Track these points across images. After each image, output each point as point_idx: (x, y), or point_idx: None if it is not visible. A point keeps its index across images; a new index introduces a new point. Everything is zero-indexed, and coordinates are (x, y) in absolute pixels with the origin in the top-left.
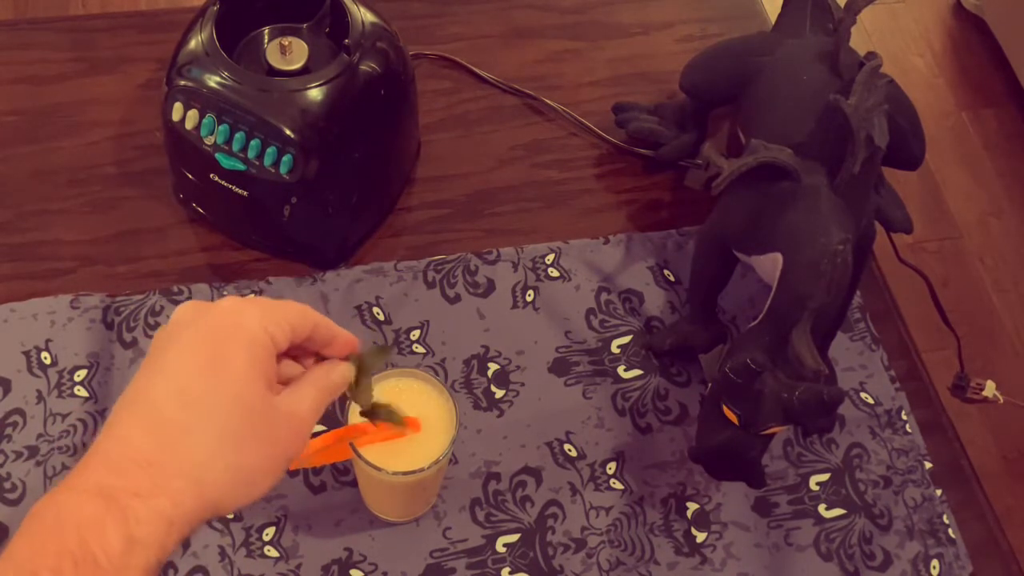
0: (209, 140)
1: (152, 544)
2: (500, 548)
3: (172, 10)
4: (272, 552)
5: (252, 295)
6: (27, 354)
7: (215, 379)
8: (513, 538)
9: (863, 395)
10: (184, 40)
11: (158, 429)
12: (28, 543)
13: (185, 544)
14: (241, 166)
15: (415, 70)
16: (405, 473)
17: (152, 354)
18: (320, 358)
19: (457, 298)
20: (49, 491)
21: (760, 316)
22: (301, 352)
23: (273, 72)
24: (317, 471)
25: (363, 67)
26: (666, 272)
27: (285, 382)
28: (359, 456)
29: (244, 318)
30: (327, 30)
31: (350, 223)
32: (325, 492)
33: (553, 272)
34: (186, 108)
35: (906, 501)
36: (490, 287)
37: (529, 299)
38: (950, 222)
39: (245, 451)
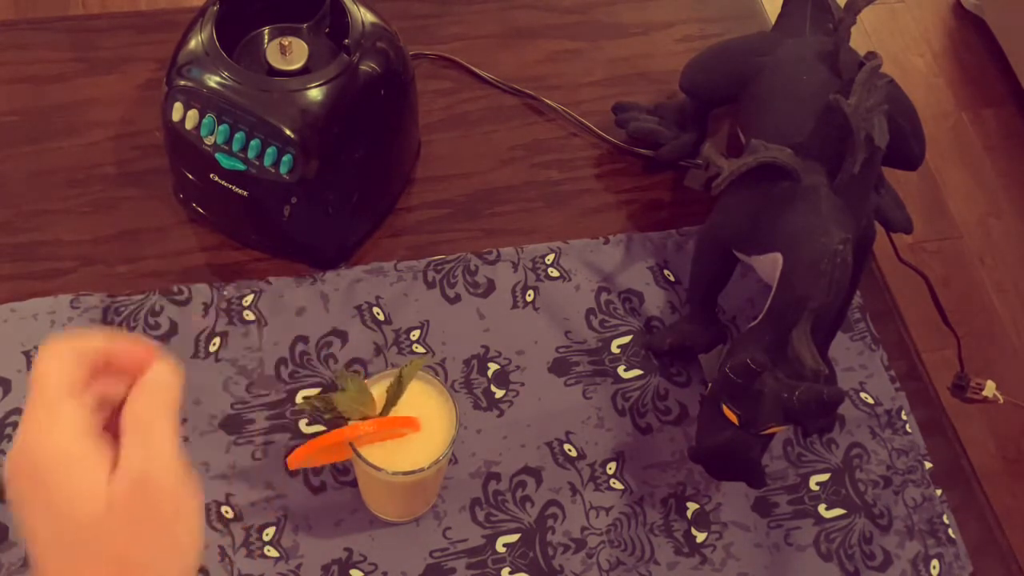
0: (209, 140)
1: None
2: (500, 548)
3: (172, 10)
4: (272, 552)
5: (252, 295)
6: (27, 354)
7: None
8: (513, 538)
9: (863, 395)
10: (184, 40)
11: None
12: None
13: None
14: (241, 166)
15: (415, 70)
16: (405, 473)
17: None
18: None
19: (457, 298)
20: None
21: (760, 316)
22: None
23: (273, 72)
24: (317, 471)
25: (363, 67)
26: (666, 272)
27: None
28: (359, 456)
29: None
30: (327, 30)
31: (350, 223)
32: (325, 492)
33: (553, 272)
34: (186, 108)
35: (906, 501)
36: (490, 287)
37: (529, 299)
38: (950, 222)
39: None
